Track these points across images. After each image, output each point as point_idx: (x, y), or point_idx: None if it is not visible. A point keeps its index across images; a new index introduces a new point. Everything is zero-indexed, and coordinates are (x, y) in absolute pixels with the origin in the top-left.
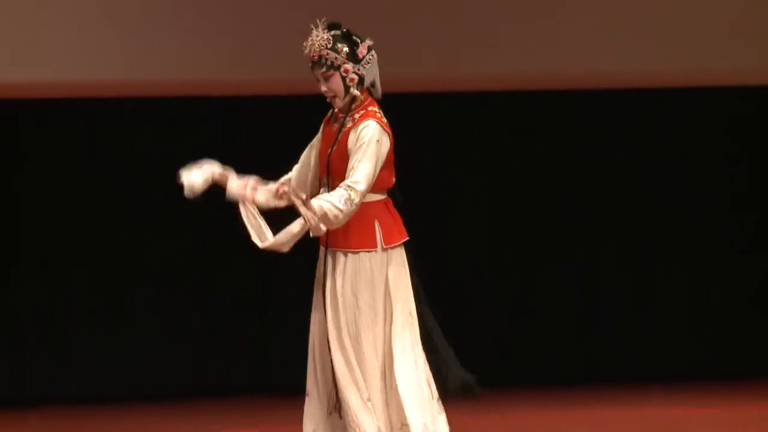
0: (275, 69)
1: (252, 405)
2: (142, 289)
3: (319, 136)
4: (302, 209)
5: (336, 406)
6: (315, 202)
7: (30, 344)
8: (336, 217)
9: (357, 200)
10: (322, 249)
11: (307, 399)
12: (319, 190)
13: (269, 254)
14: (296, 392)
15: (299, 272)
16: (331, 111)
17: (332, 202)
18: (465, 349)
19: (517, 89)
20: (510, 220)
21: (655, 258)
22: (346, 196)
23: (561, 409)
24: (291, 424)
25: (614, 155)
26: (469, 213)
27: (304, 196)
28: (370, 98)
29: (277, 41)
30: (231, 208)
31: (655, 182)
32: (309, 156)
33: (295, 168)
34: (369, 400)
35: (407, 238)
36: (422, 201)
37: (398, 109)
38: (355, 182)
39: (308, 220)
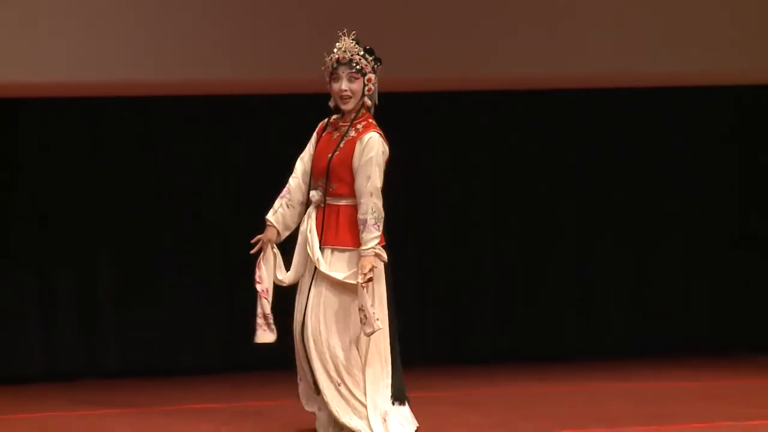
0: (276, 69)
1: (275, 379)
2: (167, 270)
3: (312, 144)
4: (370, 276)
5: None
6: (366, 259)
7: (67, 322)
8: (379, 237)
9: (382, 213)
10: (317, 245)
11: (300, 383)
12: (309, 193)
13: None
14: None
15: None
16: (326, 121)
17: (372, 238)
18: (475, 331)
19: (522, 89)
20: (512, 216)
21: (652, 247)
22: (373, 221)
23: (558, 382)
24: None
25: (618, 153)
26: (475, 209)
27: (364, 281)
28: (368, 112)
29: (279, 44)
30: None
31: (661, 179)
32: (306, 167)
33: (295, 181)
34: (341, 384)
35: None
36: (429, 197)
37: (407, 109)
38: (374, 205)
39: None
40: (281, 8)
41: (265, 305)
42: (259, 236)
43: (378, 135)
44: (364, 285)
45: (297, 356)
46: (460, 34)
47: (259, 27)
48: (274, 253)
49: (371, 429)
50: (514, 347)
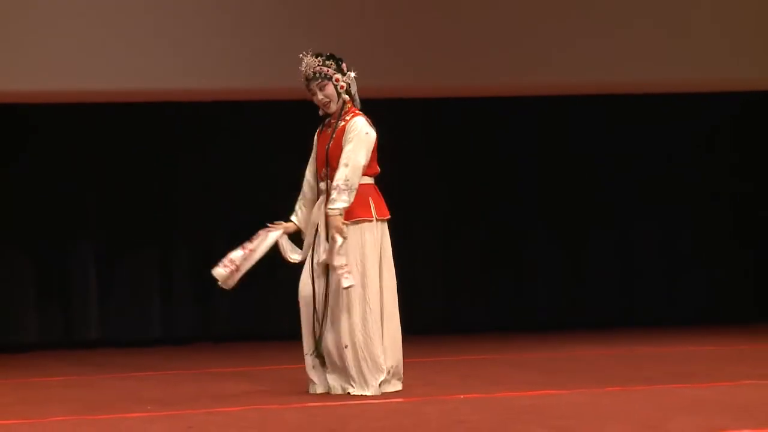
0: (276, 77)
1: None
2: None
3: (314, 147)
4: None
5: (314, 354)
6: (335, 219)
7: (150, 297)
8: (347, 204)
9: (355, 185)
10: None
11: (307, 358)
12: (319, 185)
13: None
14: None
15: None
16: (321, 125)
17: (342, 200)
18: (526, 302)
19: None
20: (554, 193)
21: (680, 228)
22: (345, 187)
23: (599, 347)
24: None
25: (620, 153)
26: (525, 193)
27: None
28: (353, 106)
29: (280, 52)
30: None
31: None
32: (311, 168)
33: (306, 184)
34: (347, 347)
35: (389, 216)
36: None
37: (445, 114)
38: (350, 174)
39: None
40: (289, 25)
41: (239, 258)
42: (281, 222)
43: (362, 119)
44: (336, 240)
45: (307, 331)
46: (476, 47)
47: (259, 39)
48: (281, 242)
49: (373, 384)
50: (561, 316)
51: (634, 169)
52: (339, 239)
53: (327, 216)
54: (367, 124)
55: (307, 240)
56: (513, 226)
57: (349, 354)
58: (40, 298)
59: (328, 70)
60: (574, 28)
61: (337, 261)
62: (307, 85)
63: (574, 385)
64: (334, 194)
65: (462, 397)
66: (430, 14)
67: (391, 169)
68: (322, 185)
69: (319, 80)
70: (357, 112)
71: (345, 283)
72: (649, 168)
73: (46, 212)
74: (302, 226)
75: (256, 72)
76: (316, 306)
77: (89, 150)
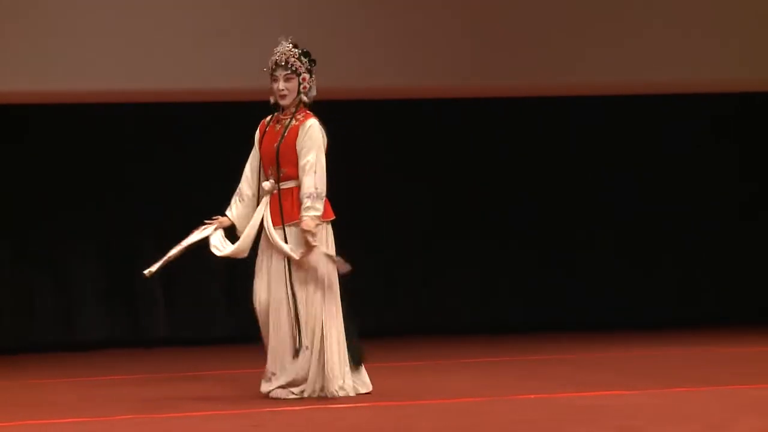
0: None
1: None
2: None
3: (256, 146)
4: (310, 238)
5: (296, 351)
6: (308, 221)
7: (215, 296)
8: (320, 210)
9: (324, 192)
10: (272, 225)
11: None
12: (262, 184)
13: None
14: None
15: None
16: (269, 117)
17: (318, 207)
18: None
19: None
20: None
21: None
22: (317, 194)
23: (659, 346)
24: None
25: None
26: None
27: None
28: (305, 107)
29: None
30: None
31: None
32: (252, 166)
33: (247, 176)
34: (306, 348)
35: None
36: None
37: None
38: (319, 182)
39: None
40: (296, 21)
41: (175, 250)
42: (218, 217)
43: (318, 122)
44: (314, 244)
45: (265, 326)
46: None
47: (249, 40)
48: (211, 237)
49: (336, 387)
50: (613, 317)
51: (634, 168)
52: (312, 242)
53: (303, 222)
54: (321, 129)
55: (261, 244)
56: (512, 226)
57: (306, 355)
58: (107, 297)
59: (300, 67)
60: (575, 30)
61: (329, 252)
62: (273, 70)
63: (637, 385)
64: (308, 202)
65: (532, 397)
66: (429, 15)
67: (390, 170)
68: (267, 185)
69: (288, 72)
70: (309, 113)
71: (345, 269)
72: (648, 168)
73: (113, 210)
74: (237, 223)
75: (257, 72)
76: (292, 311)
77: (133, 146)
